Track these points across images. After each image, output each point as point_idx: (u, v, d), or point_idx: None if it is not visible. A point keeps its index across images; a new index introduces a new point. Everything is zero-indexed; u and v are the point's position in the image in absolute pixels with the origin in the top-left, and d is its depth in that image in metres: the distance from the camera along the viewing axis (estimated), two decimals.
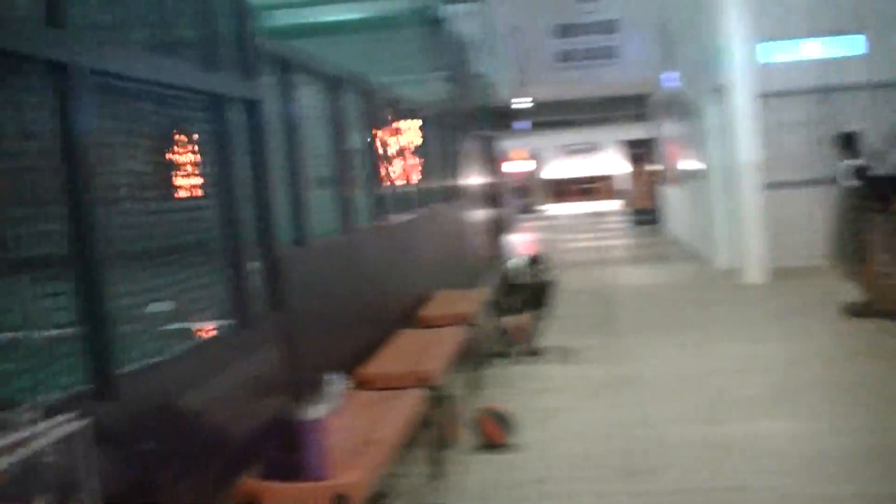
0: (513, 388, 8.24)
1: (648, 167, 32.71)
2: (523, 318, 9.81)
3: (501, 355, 9.47)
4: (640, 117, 33.15)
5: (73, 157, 2.86)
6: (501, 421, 6.50)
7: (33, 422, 2.30)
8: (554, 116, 39.25)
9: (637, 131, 35.80)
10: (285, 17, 10.97)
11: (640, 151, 35.91)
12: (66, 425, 2.32)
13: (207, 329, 4.00)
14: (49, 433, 2.25)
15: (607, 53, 34.36)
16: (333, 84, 6.48)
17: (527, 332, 9.71)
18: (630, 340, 10.32)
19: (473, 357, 8.17)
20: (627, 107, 34.96)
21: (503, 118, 26.49)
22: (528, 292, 10.03)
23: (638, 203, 31.58)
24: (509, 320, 9.85)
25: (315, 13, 11.01)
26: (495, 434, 6.44)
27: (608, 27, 34.60)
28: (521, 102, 32.00)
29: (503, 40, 26.38)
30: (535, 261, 10.52)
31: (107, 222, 3.06)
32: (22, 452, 2.11)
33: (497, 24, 25.12)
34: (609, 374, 8.61)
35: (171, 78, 3.64)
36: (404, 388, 5.76)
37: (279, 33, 9.74)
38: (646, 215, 29.32)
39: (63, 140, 2.85)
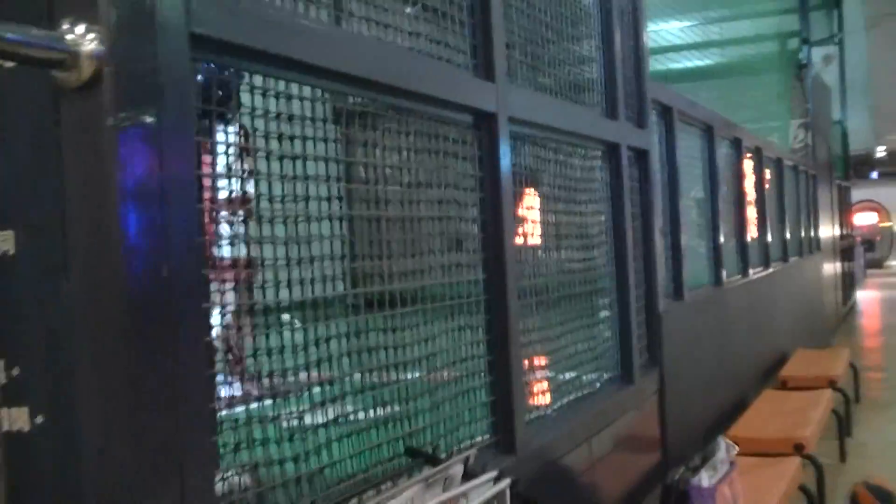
0: (887, 458, 7.51)
1: None
2: None
3: None
4: None
5: (492, 202, 2.84)
6: (882, 497, 5.93)
7: (462, 477, 2.25)
8: None
9: None
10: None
11: None
12: (492, 484, 2.26)
13: (595, 382, 3.90)
14: (480, 491, 2.19)
15: None
16: (706, 130, 6.27)
17: None
18: None
19: (842, 423, 7.57)
20: None
21: (857, 168, 25.05)
22: None
23: None
24: None
25: (675, 59, 10.83)
26: None
27: None
28: (877, 151, 30.15)
29: (861, 85, 25.01)
30: None
31: (515, 269, 3.01)
32: None
33: (854, 69, 23.81)
34: None
35: (577, 126, 3.58)
36: (777, 454, 5.40)
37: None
38: None
39: (484, 187, 2.83)
